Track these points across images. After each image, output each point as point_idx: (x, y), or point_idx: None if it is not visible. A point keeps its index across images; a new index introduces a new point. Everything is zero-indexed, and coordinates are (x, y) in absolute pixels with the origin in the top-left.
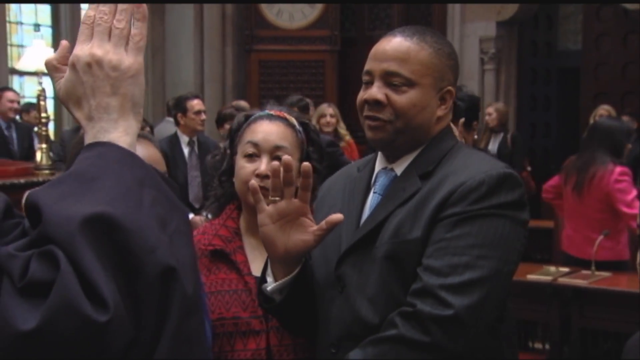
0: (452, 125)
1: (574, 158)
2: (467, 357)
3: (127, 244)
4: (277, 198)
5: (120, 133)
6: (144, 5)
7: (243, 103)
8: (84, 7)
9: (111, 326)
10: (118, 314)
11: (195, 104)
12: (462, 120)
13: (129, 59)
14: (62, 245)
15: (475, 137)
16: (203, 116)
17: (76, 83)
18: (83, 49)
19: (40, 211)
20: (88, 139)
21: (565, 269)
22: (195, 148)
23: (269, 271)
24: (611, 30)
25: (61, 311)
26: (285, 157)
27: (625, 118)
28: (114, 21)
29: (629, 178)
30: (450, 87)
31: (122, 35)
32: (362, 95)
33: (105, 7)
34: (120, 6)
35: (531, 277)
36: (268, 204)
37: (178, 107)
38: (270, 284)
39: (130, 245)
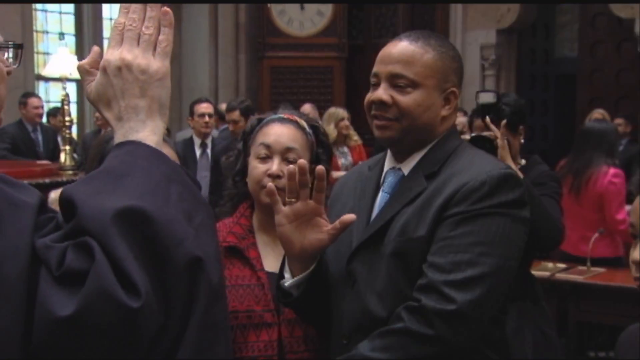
0: (492, 127)
1: (568, 160)
2: (470, 348)
3: (156, 235)
4: (293, 200)
5: (148, 132)
6: (171, 13)
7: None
8: (106, 17)
9: (143, 312)
10: (149, 300)
11: (201, 107)
12: (504, 121)
13: (156, 63)
14: (97, 236)
15: (522, 141)
16: (207, 119)
17: (107, 85)
18: (114, 54)
19: (74, 205)
20: (118, 138)
21: (562, 265)
22: (208, 150)
23: (286, 268)
24: (606, 39)
25: (97, 298)
26: (301, 161)
27: (618, 120)
28: (143, 27)
29: (622, 180)
30: (454, 88)
31: (150, 40)
32: (369, 96)
33: (134, 15)
34: (149, 13)
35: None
36: (285, 205)
37: (189, 112)
38: (288, 280)
39: (160, 236)
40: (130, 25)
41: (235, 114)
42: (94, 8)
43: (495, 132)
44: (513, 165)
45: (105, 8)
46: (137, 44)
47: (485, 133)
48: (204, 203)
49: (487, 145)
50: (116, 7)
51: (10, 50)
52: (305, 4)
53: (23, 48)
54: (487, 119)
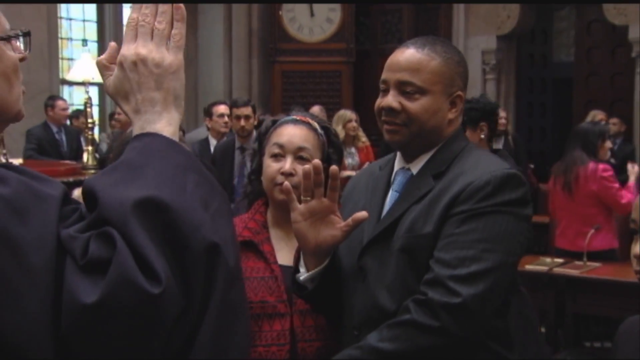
0: None
1: (560, 162)
2: (473, 339)
3: (174, 223)
4: (308, 198)
5: (164, 124)
6: (183, 7)
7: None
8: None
9: (164, 297)
10: (169, 286)
11: (219, 108)
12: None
13: (170, 56)
14: (117, 226)
15: (482, 136)
16: (226, 119)
17: (124, 80)
18: (129, 49)
19: (96, 196)
20: (135, 130)
21: (559, 260)
22: None
23: (301, 262)
24: (601, 44)
25: (119, 285)
26: (316, 161)
27: (614, 120)
28: (155, 22)
29: (611, 172)
30: (459, 92)
31: (164, 35)
32: (379, 102)
33: (147, 10)
34: (161, 8)
35: (529, 267)
36: (300, 203)
37: (206, 113)
38: (303, 274)
39: (177, 224)
40: (143, 20)
41: (248, 110)
42: (115, 16)
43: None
44: None
45: (126, 15)
46: (150, 39)
47: None
48: (219, 190)
49: None
50: None
51: (20, 38)
52: (315, 12)
53: (30, 35)
54: None
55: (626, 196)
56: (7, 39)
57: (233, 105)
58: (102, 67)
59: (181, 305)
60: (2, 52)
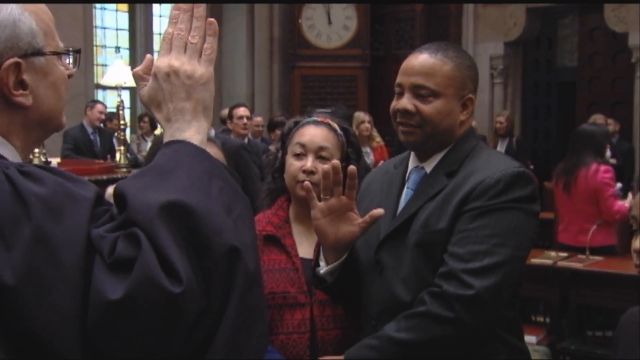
0: None
1: (562, 162)
2: (485, 329)
3: (197, 227)
4: (328, 196)
5: (193, 132)
6: (215, 23)
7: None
8: (156, 32)
9: (184, 296)
10: (190, 286)
11: (239, 110)
12: None
13: (201, 69)
14: (144, 227)
15: None
16: (245, 121)
17: (157, 90)
18: (163, 61)
19: (125, 199)
20: (166, 137)
21: (564, 254)
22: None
23: (321, 257)
24: (602, 50)
25: (143, 283)
26: (335, 162)
27: (609, 120)
28: (189, 37)
29: (611, 174)
30: (470, 95)
31: (196, 49)
32: (395, 105)
33: (182, 25)
34: (195, 24)
35: (535, 260)
36: (320, 201)
37: (227, 115)
38: (323, 268)
39: (201, 228)
40: (178, 35)
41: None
42: (146, 25)
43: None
44: None
45: (156, 24)
46: (184, 52)
47: None
48: (242, 196)
49: None
50: (165, 23)
51: (71, 55)
52: (332, 20)
53: (81, 53)
54: None
55: (617, 205)
56: (59, 54)
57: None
58: (138, 78)
59: (201, 305)
60: (54, 65)
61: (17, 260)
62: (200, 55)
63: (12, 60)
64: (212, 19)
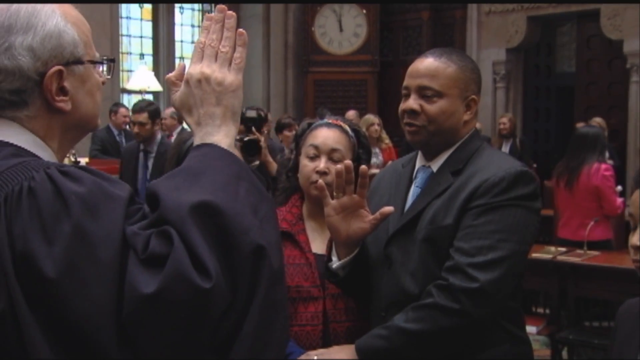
0: (256, 133)
1: (563, 160)
2: (490, 320)
3: (226, 226)
4: (340, 194)
5: (222, 136)
6: (245, 33)
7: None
8: (177, 39)
9: (213, 292)
10: (219, 282)
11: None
12: (266, 130)
13: (231, 76)
14: (175, 225)
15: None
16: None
17: (189, 95)
18: (195, 68)
19: (158, 198)
20: (196, 141)
21: (562, 249)
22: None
23: (334, 252)
24: (599, 57)
25: (175, 278)
26: (347, 162)
27: (597, 119)
28: (220, 46)
29: (612, 172)
30: (474, 96)
31: (226, 57)
32: (402, 106)
33: (213, 35)
34: (226, 34)
35: (535, 255)
36: (332, 199)
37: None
38: (335, 263)
39: (229, 227)
40: (210, 44)
41: (143, 116)
42: (169, 33)
43: (259, 136)
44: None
45: (177, 32)
46: (215, 60)
47: (252, 136)
48: (268, 197)
49: (254, 144)
50: (187, 31)
51: (105, 64)
52: (344, 28)
53: (114, 62)
54: (253, 128)
55: (618, 201)
56: (95, 63)
57: (132, 110)
58: (171, 83)
59: (228, 300)
60: (91, 73)
61: (58, 254)
62: (230, 64)
63: (55, 68)
64: (242, 30)
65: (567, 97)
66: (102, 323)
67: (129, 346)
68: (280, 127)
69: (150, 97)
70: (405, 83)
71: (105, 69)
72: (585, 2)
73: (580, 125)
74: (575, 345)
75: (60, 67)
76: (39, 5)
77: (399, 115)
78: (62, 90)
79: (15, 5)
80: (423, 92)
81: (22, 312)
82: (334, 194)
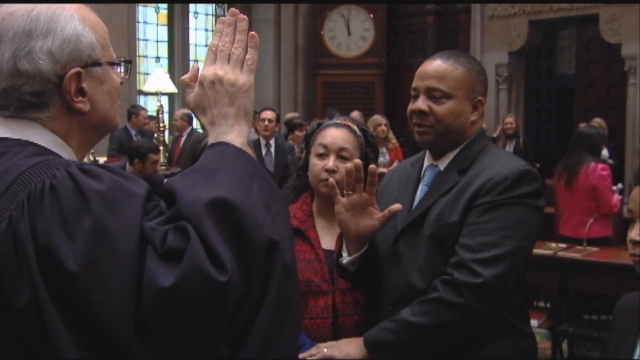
0: None
1: (563, 159)
2: (493, 314)
3: (240, 221)
4: (350, 192)
5: (235, 135)
6: (256, 36)
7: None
8: (192, 43)
9: (229, 285)
10: (234, 275)
11: (263, 114)
12: None
13: (243, 77)
14: (192, 221)
15: None
16: (266, 123)
17: (203, 96)
18: (209, 70)
19: (174, 195)
20: (210, 140)
21: (563, 245)
22: (272, 150)
23: (344, 248)
24: (598, 59)
25: (192, 272)
26: (356, 161)
27: (598, 119)
28: (233, 48)
29: (608, 171)
30: (480, 97)
31: (239, 59)
32: (411, 106)
33: (226, 37)
34: (238, 36)
35: (537, 251)
36: (343, 197)
37: (253, 117)
38: (345, 258)
39: (243, 223)
40: (223, 46)
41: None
42: (183, 37)
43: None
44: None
45: (192, 36)
46: (227, 62)
47: None
48: (280, 194)
49: None
50: (201, 35)
51: (122, 65)
52: (352, 31)
53: (132, 63)
54: None
55: (615, 199)
56: (113, 64)
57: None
58: (185, 85)
59: (243, 293)
60: (109, 74)
61: (79, 249)
62: (242, 65)
63: (74, 70)
64: (254, 33)
65: (567, 99)
66: (121, 314)
67: (148, 337)
68: (291, 127)
69: (165, 98)
70: (414, 84)
71: (122, 69)
72: (585, 7)
73: (582, 125)
74: (575, 338)
75: (78, 69)
76: (58, 10)
77: (407, 116)
78: (81, 92)
79: (35, 10)
80: (431, 94)
81: (45, 306)
82: (344, 191)
